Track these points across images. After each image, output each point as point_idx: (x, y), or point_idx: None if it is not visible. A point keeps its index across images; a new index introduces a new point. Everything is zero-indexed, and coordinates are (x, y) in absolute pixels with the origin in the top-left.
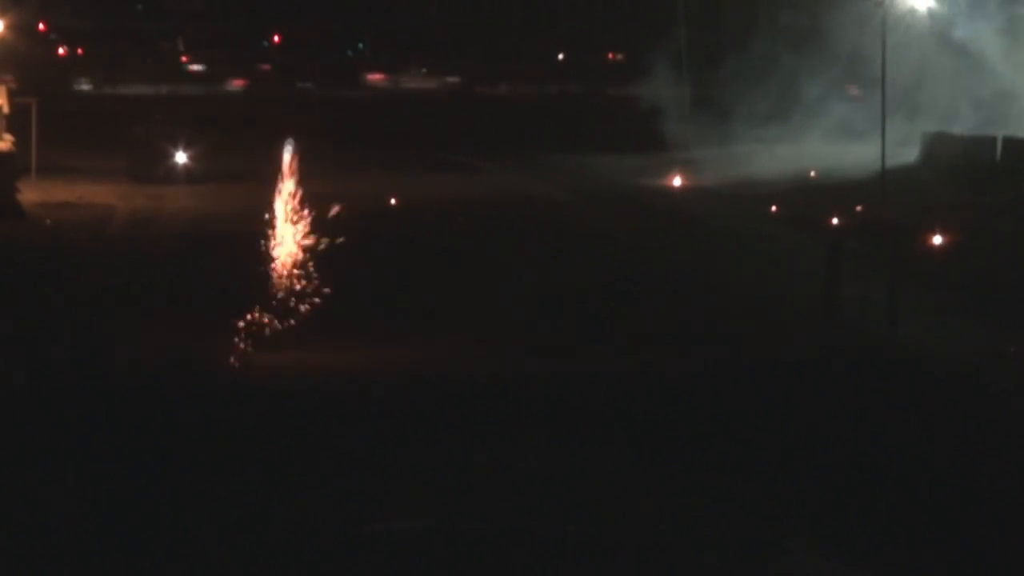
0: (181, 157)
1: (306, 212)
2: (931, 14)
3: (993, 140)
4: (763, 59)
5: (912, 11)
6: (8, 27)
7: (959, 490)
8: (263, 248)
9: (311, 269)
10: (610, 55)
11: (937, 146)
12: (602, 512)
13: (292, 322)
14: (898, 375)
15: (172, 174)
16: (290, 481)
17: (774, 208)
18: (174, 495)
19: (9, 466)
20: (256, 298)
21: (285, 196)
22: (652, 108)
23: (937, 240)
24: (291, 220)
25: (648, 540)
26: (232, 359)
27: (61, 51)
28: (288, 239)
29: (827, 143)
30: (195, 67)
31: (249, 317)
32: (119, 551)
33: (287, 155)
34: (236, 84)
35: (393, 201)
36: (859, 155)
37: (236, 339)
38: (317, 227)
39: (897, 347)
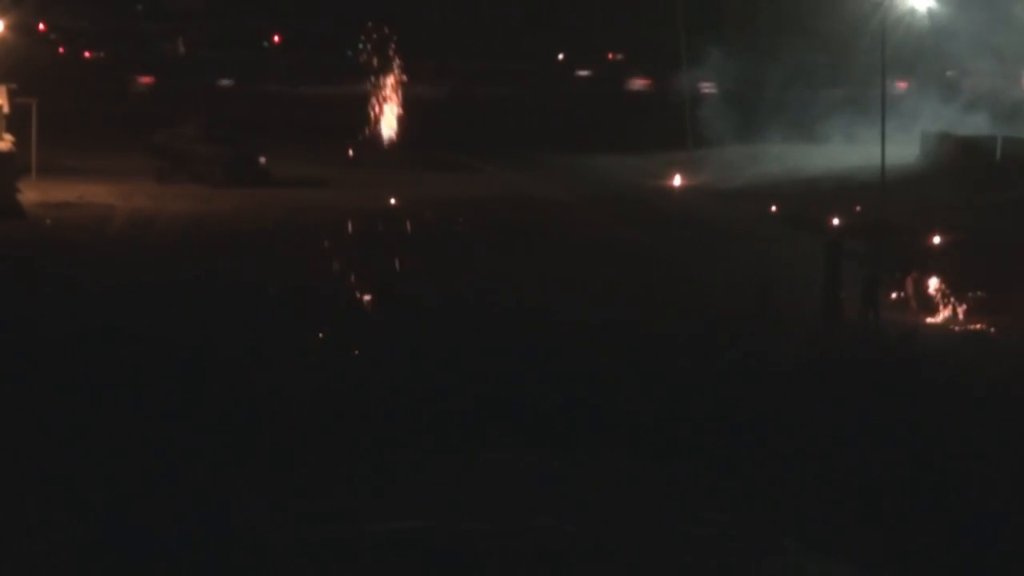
0: (262, 159)
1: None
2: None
3: (993, 140)
4: (793, 57)
5: (912, 11)
6: (8, 27)
7: (958, 489)
8: None
9: None
10: (610, 55)
11: (937, 146)
12: (602, 512)
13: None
14: (895, 374)
15: (263, 177)
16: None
17: (774, 208)
18: (172, 493)
19: (10, 466)
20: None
21: None
22: (656, 107)
23: (935, 240)
24: None
25: (647, 540)
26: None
27: (61, 50)
28: None
29: (853, 143)
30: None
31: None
32: (117, 549)
33: None
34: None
35: (393, 201)
36: (870, 156)
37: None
38: None
39: (888, 345)
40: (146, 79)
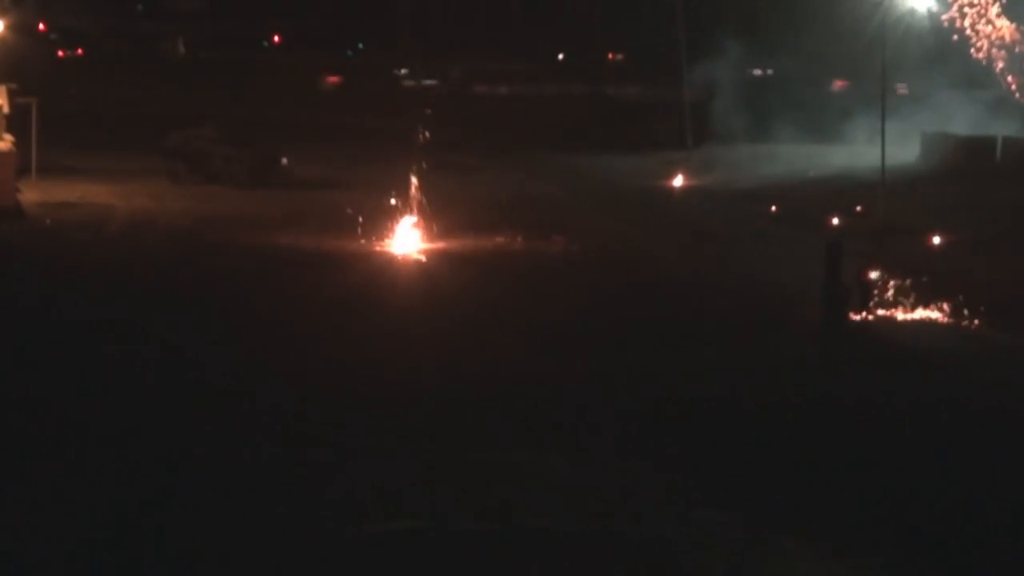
0: (284, 160)
1: None
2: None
3: (993, 140)
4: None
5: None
6: (8, 27)
7: (958, 490)
8: None
9: None
10: (610, 55)
11: (937, 146)
12: (601, 512)
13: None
14: (895, 373)
15: (285, 178)
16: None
17: (773, 208)
18: (171, 492)
19: (10, 466)
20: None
21: None
22: (655, 109)
23: (935, 240)
24: None
25: (647, 540)
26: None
27: (61, 53)
28: None
29: (860, 144)
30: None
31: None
32: (116, 549)
33: None
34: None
35: (393, 202)
36: (873, 157)
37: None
38: None
39: (887, 342)
40: (334, 78)
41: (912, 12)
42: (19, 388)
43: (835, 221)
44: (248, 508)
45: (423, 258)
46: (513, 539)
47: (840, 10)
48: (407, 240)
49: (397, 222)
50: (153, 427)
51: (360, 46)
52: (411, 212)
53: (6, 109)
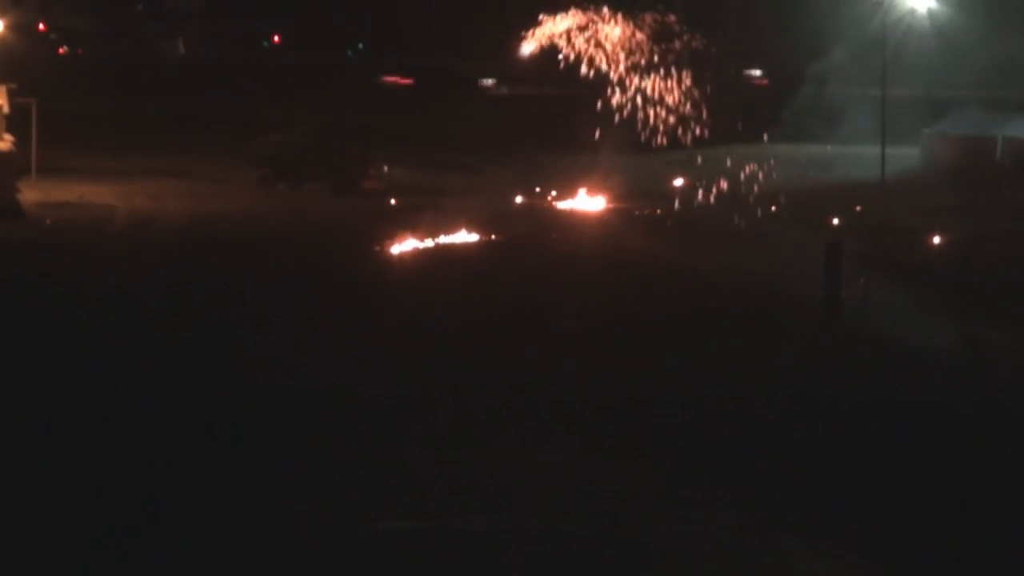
0: (385, 168)
1: None
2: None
3: (993, 140)
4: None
5: (912, 11)
6: (8, 27)
7: (959, 490)
8: None
9: None
10: None
11: (937, 146)
12: (601, 512)
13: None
14: (896, 372)
15: (385, 185)
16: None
17: (774, 208)
18: (171, 492)
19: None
20: None
21: None
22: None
23: (934, 240)
24: None
25: (648, 540)
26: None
27: (60, 51)
28: None
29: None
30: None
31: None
32: (114, 548)
33: None
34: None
35: (393, 202)
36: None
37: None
38: None
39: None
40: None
41: (912, 12)
42: (16, 388)
43: (835, 221)
44: (249, 507)
45: None
46: (514, 539)
47: (840, 10)
48: None
49: None
50: (149, 427)
51: (360, 46)
52: None
53: (6, 109)
